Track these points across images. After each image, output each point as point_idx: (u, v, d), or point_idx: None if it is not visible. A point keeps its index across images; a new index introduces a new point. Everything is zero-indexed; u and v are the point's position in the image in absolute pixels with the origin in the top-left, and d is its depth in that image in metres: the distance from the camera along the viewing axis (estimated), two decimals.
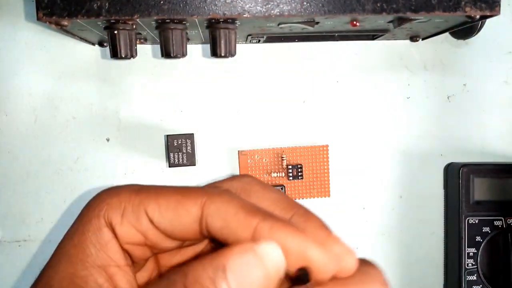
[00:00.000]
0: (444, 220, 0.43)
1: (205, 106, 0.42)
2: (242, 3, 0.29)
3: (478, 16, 0.31)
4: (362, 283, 0.19)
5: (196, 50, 0.41)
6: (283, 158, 0.42)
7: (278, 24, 0.33)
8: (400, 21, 0.32)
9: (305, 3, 0.30)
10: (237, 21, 0.31)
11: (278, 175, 0.42)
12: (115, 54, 0.32)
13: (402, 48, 0.43)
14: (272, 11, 0.30)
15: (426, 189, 0.44)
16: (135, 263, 0.21)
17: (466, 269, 0.41)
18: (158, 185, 0.21)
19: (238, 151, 0.42)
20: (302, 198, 0.42)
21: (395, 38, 0.41)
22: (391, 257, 0.44)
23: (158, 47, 0.36)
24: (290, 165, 0.41)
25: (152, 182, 0.39)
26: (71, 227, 0.20)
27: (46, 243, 0.41)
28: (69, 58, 0.40)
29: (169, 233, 0.20)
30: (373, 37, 0.41)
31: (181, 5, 0.29)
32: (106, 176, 0.41)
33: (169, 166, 0.41)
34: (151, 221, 0.20)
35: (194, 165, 0.41)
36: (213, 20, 0.31)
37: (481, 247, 0.41)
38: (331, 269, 0.18)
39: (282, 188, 0.42)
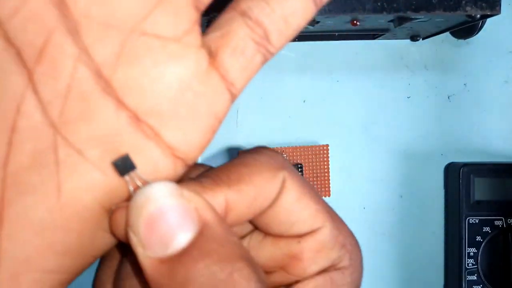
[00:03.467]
0: (444, 220, 0.43)
1: None
2: None
3: (478, 16, 0.31)
4: (249, 173, 0.17)
5: None
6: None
7: None
8: (401, 20, 0.32)
9: None
10: None
11: None
12: None
13: (403, 48, 0.43)
14: None
15: (426, 189, 0.43)
16: None
17: (466, 269, 0.40)
18: None
19: (238, 151, 0.42)
20: None
21: (395, 37, 0.41)
22: (391, 257, 0.44)
23: None
24: None
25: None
26: None
27: None
28: None
29: None
30: (373, 37, 0.41)
31: None
32: None
33: None
34: None
35: None
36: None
37: (482, 247, 0.40)
38: None
39: None
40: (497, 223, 0.40)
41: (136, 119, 0.16)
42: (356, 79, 0.43)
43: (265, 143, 0.42)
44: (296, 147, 0.42)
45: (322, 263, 0.18)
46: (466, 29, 0.39)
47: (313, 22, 0.33)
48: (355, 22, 0.32)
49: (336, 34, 0.39)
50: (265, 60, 0.19)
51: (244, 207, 0.17)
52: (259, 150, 0.19)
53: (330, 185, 0.42)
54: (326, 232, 0.19)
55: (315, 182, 0.42)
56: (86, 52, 0.15)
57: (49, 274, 0.16)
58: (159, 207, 0.15)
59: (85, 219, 0.16)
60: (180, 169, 0.17)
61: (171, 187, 0.15)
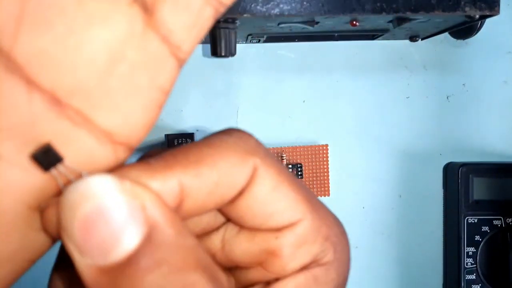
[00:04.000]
0: (444, 220, 0.44)
1: (205, 106, 0.42)
2: (242, 2, 0.29)
3: (477, 16, 0.31)
4: (213, 155, 0.14)
5: (197, 50, 0.41)
6: (283, 158, 0.42)
7: (278, 24, 0.33)
8: (400, 21, 0.32)
9: (305, 3, 0.30)
10: (237, 21, 0.31)
11: None
12: None
13: (402, 48, 0.43)
14: (272, 11, 0.30)
15: (425, 189, 0.44)
16: None
17: (465, 268, 0.41)
18: None
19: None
20: None
21: (394, 38, 0.41)
22: (390, 256, 0.44)
23: None
24: (290, 165, 0.42)
25: None
26: None
27: None
28: None
29: None
30: (372, 37, 0.41)
31: None
32: None
33: None
34: None
35: None
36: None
37: (480, 246, 0.41)
38: None
39: None
40: (495, 222, 0.41)
41: (56, 102, 0.13)
42: (355, 79, 0.43)
43: (265, 143, 0.42)
44: (295, 147, 0.42)
45: (303, 259, 0.16)
46: (465, 30, 0.40)
47: (313, 22, 0.33)
48: (354, 22, 0.32)
49: (336, 34, 0.39)
50: (216, 14, 0.14)
51: (203, 195, 0.14)
52: (229, 131, 0.16)
53: (330, 185, 0.42)
54: (307, 224, 0.16)
55: (314, 182, 0.42)
56: None
57: None
58: (97, 206, 0.12)
59: (9, 224, 0.14)
60: (122, 154, 0.15)
61: (111, 181, 0.13)
